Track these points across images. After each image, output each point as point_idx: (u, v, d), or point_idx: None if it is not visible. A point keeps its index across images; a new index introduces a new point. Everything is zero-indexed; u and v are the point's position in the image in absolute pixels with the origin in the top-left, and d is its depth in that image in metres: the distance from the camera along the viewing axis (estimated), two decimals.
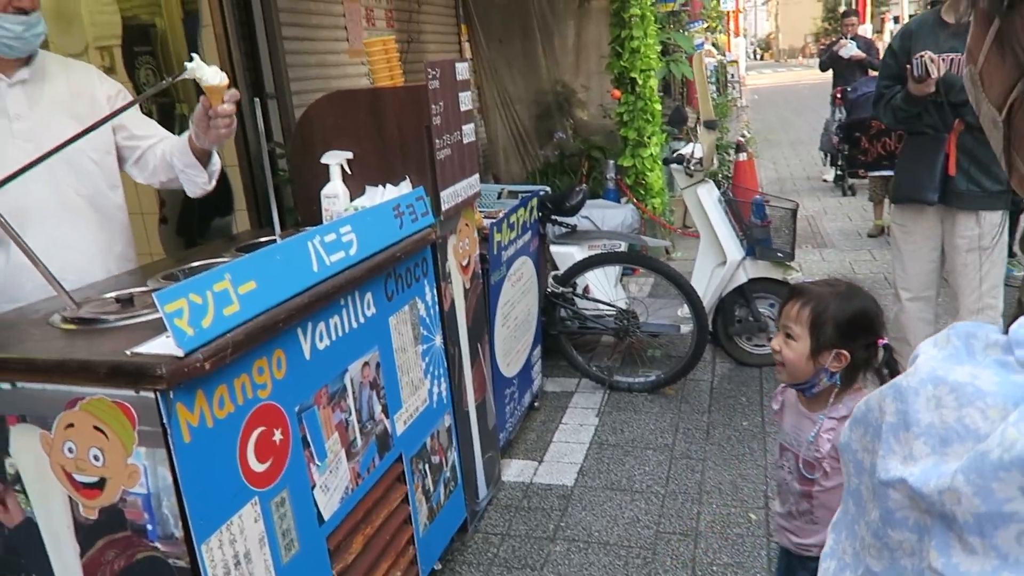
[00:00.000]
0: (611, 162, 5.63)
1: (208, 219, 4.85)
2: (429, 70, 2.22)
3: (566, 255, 3.83)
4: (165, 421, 1.29)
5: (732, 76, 17.12)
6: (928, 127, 2.74)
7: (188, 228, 4.88)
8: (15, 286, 1.93)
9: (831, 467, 1.55)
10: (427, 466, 2.27)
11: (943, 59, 2.62)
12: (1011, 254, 3.01)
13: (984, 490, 0.41)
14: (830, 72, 8.10)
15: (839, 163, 7.75)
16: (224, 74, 1.86)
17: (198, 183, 2.13)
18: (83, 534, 1.41)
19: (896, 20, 26.65)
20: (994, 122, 0.53)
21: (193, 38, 4.40)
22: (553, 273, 3.69)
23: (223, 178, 4.22)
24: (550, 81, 6.96)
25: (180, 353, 1.28)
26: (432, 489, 2.30)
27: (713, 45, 15.77)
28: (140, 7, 4.46)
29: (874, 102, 2.94)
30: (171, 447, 1.30)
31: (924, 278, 2.99)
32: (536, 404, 3.60)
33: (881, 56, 7.65)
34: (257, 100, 2.38)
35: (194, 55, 1.85)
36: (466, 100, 2.51)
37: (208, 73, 1.83)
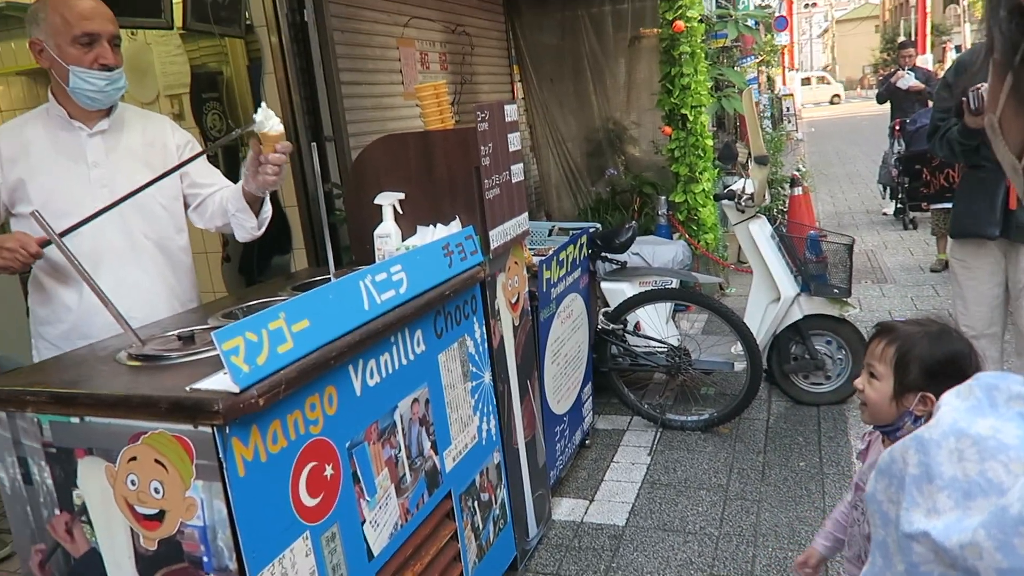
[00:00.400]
0: (663, 198, 5.63)
1: (268, 258, 5.01)
2: (478, 113, 2.28)
3: (616, 292, 3.83)
4: (221, 455, 1.34)
5: (787, 110, 16.97)
6: (986, 160, 2.68)
7: (249, 266, 5.04)
8: (87, 324, 2.03)
9: None
10: (476, 503, 2.28)
11: None
12: None
13: (1006, 545, 0.40)
14: (888, 104, 7.98)
15: (899, 196, 7.58)
16: (281, 125, 1.94)
17: (247, 227, 2.21)
18: (143, 565, 1.46)
19: (958, 49, 26.10)
20: (1014, 168, 0.53)
21: (257, 84, 4.61)
22: (603, 310, 3.68)
23: (282, 218, 4.39)
24: (601, 119, 7.02)
25: (236, 389, 1.33)
26: (481, 526, 2.30)
27: (768, 79, 15.67)
28: (208, 56, 4.69)
29: (929, 135, 2.89)
30: (226, 481, 1.34)
31: (988, 315, 2.89)
32: (587, 442, 3.58)
33: None
34: (314, 144, 2.49)
35: (263, 104, 1.95)
36: (515, 141, 2.56)
37: (267, 122, 1.91)
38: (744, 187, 3.66)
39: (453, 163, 2.34)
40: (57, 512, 1.53)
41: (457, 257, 2.16)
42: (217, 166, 2.42)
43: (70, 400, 1.44)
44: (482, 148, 2.30)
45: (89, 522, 1.50)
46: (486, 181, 2.33)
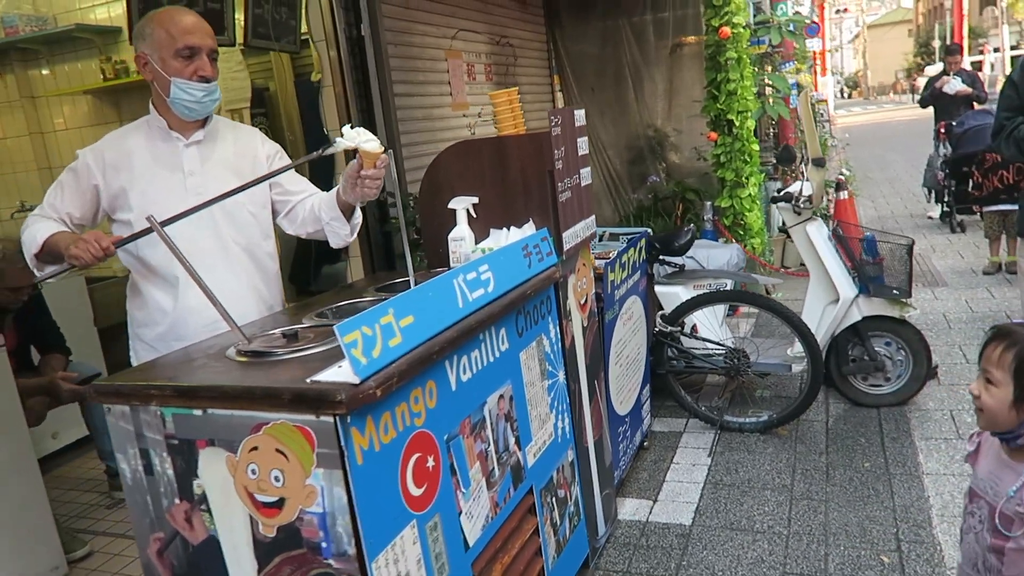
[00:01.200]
0: (708, 203, 5.65)
1: (319, 266, 5.12)
2: (551, 117, 2.34)
3: (671, 295, 3.86)
4: (342, 444, 1.40)
5: (822, 115, 16.84)
6: None
7: (303, 275, 5.15)
8: (182, 326, 2.13)
9: None
10: (554, 499, 2.32)
11: None
12: None
13: None
14: (930, 108, 7.92)
15: (946, 199, 7.49)
16: (377, 142, 2.01)
17: (341, 235, 2.30)
18: (261, 551, 1.53)
19: (996, 51, 25.70)
20: None
21: (304, 98, 4.73)
22: (660, 313, 3.71)
23: None
24: (642, 126, 7.06)
25: (356, 380, 1.40)
26: (559, 523, 2.35)
27: (798, 86, 15.56)
28: (255, 73, 4.83)
29: (994, 134, 2.89)
30: (347, 468, 1.41)
31: None
32: (645, 444, 3.60)
33: (986, 87, 7.45)
34: (391, 150, 2.56)
35: (348, 125, 2.02)
36: (583, 145, 2.61)
37: (366, 141, 1.99)
38: (801, 189, 3.67)
39: (527, 167, 2.40)
40: (177, 501, 1.61)
41: (535, 258, 2.22)
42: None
43: (193, 393, 1.52)
44: (555, 152, 2.36)
45: (208, 510, 1.58)
46: (559, 184, 2.39)
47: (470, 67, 5.54)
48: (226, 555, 1.58)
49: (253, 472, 1.49)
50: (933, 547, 2.59)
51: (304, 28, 4.33)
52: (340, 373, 1.44)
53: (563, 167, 2.42)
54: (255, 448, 1.48)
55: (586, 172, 2.64)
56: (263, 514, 1.51)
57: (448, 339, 1.70)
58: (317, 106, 4.51)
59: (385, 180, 4.39)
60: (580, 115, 2.57)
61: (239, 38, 4.06)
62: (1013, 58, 30.55)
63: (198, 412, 1.53)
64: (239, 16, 3.99)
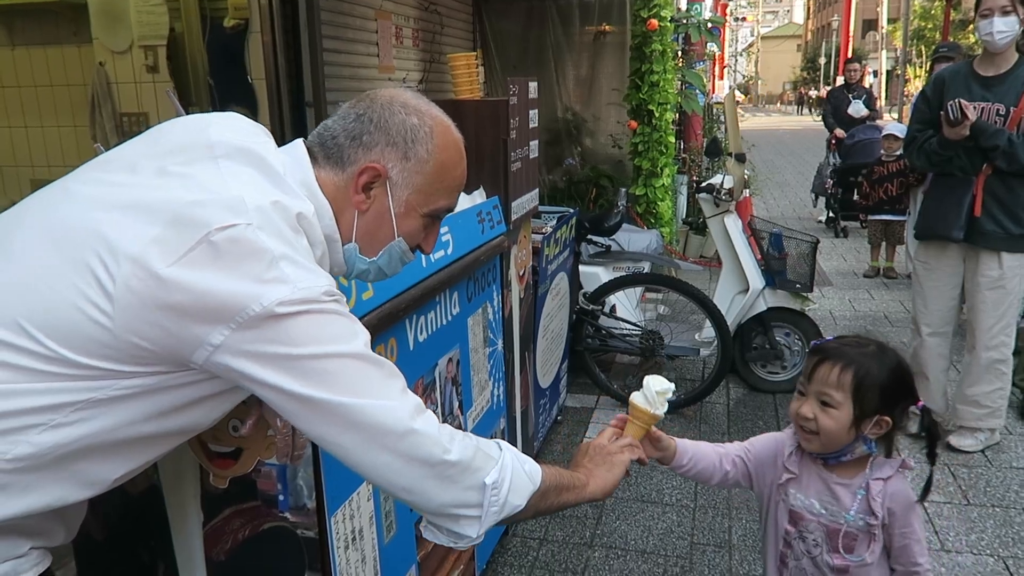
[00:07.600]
0: (623, 190, 5.79)
1: None
2: (511, 86, 2.34)
3: (592, 275, 3.95)
4: None
5: (719, 117, 17.59)
6: (958, 170, 2.91)
7: None
8: None
9: (879, 534, 1.45)
10: None
11: (975, 107, 2.81)
12: None
13: None
14: (819, 121, 8.45)
15: (833, 205, 8.01)
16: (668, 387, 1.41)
17: None
18: (210, 503, 1.47)
19: (875, 74, 27.63)
20: None
21: (225, 46, 4.45)
22: (583, 291, 3.79)
23: None
24: (561, 109, 7.13)
25: None
26: None
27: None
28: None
29: (906, 145, 3.12)
30: None
31: (944, 314, 3.14)
32: (559, 418, 3.69)
33: (878, 106, 8.02)
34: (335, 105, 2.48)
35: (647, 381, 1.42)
36: (534, 117, 2.63)
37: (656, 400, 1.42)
38: (723, 182, 3.84)
39: (482, 134, 2.39)
40: None
41: (488, 225, 2.22)
42: None
43: None
44: (511, 121, 2.36)
45: None
46: (512, 154, 2.40)
47: (398, 30, 5.42)
48: (169, 506, 1.50)
49: None
50: None
51: None
52: None
53: (516, 137, 2.43)
54: None
55: (534, 145, 2.66)
56: (216, 465, 1.44)
57: (412, 297, 1.68)
58: (229, 53, 4.28)
59: (307, 136, 4.23)
60: (533, 87, 2.58)
61: None
62: (887, 81, 32.95)
63: None
64: None
